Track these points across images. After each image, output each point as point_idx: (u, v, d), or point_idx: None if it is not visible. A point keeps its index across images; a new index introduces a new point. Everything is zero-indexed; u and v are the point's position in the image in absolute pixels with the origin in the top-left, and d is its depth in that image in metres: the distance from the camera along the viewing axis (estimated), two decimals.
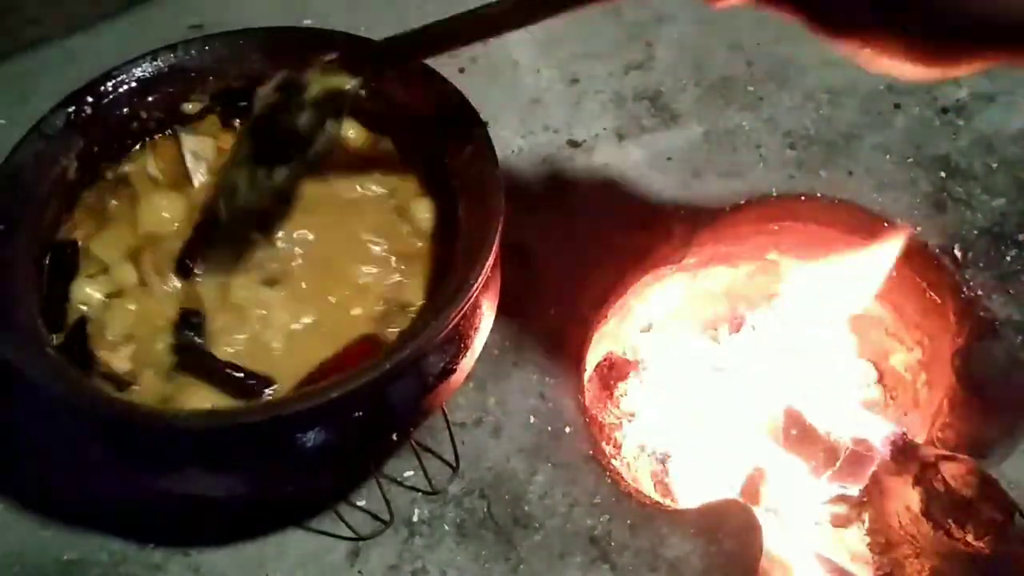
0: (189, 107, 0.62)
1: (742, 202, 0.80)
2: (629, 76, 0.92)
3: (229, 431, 0.45)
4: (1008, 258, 0.77)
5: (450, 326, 0.48)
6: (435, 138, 0.58)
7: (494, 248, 0.51)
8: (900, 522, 0.67)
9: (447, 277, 0.51)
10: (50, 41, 0.95)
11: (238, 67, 0.62)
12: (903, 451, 0.67)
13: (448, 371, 0.51)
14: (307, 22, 0.92)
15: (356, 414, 0.48)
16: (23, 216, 0.54)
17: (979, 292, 0.75)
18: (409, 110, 0.60)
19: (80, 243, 0.56)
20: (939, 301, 0.78)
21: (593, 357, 0.80)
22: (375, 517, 0.63)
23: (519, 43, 0.95)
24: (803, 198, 0.81)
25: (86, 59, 0.91)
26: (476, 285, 0.49)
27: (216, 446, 0.48)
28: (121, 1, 0.99)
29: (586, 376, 0.75)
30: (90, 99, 0.59)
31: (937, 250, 0.78)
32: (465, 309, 0.49)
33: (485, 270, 0.49)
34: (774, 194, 0.81)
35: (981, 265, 0.77)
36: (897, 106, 0.88)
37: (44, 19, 0.98)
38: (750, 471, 0.76)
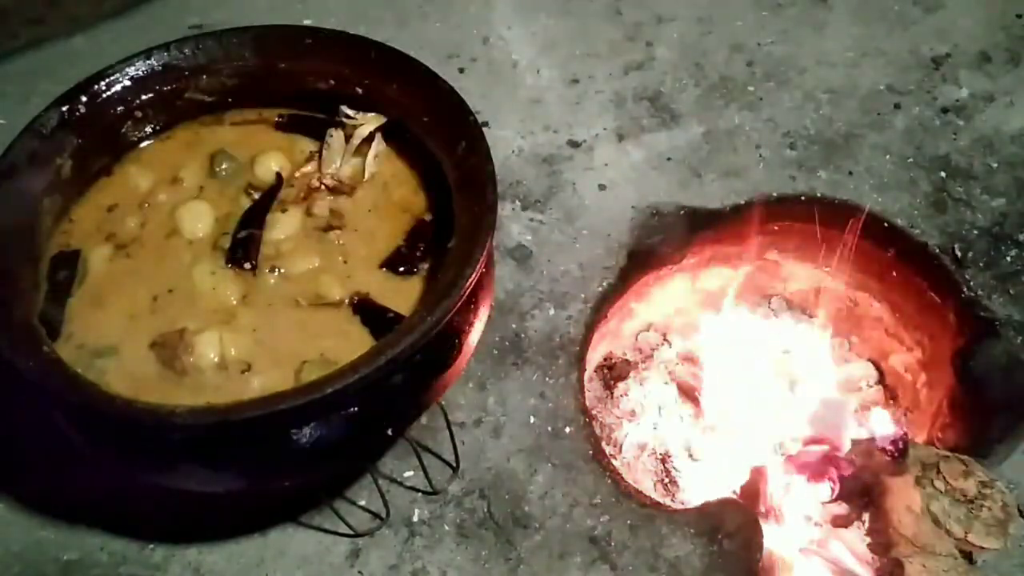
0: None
1: (742, 202, 0.81)
2: (629, 76, 0.92)
3: (226, 426, 0.45)
4: (1008, 258, 0.77)
5: (445, 321, 0.48)
6: (431, 135, 0.58)
7: (487, 244, 0.50)
8: (900, 522, 0.67)
9: (442, 273, 0.51)
10: (50, 41, 0.95)
11: (231, 65, 0.62)
12: (903, 451, 0.67)
13: (443, 366, 0.51)
14: (307, 22, 0.92)
15: (351, 409, 0.48)
16: (19, 215, 0.54)
17: (979, 292, 0.75)
18: (407, 109, 0.60)
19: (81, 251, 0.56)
20: (939, 301, 0.78)
21: (593, 357, 0.80)
22: (375, 515, 0.63)
23: (519, 43, 0.95)
24: (803, 198, 0.81)
25: (86, 59, 0.91)
26: (470, 280, 0.49)
27: (213, 441, 0.48)
28: (121, 1, 0.99)
29: (586, 376, 0.75)
30: (84, 98, 0.58)
31: (937, 250, 0.78)
32: (460, 304, 0.49)
33: (479, 266, 0.49)
34: (774, 195, 0.81)
35: (981, 265, 0.77)
36: (897, 106, 0.88)
37: (44, 19, 0.98)
38: (750, 471, 0.76)
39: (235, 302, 0.55)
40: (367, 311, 0.54)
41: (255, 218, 0.59)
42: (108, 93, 0.60)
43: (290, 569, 0.60)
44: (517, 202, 0.81)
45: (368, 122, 0.62)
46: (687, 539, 0.61)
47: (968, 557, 0.63)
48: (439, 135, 0.58)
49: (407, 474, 0.65)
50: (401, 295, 0.55)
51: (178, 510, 0.62)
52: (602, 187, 0.82)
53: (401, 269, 0.56)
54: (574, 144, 0.86)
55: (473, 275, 0.49)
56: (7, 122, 0.83)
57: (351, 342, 0.52)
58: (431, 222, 0.58)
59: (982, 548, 0.62)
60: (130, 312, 0.54)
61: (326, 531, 0.62)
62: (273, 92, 0.64)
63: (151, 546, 0.61)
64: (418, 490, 0.64)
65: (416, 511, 0.63)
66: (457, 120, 0.57)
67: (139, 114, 0.61)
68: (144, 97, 0.61)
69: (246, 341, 0.53)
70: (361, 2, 0.98)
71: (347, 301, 0.55)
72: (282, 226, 0.59)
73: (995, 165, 0.83)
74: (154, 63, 0.61)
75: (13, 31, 0.97)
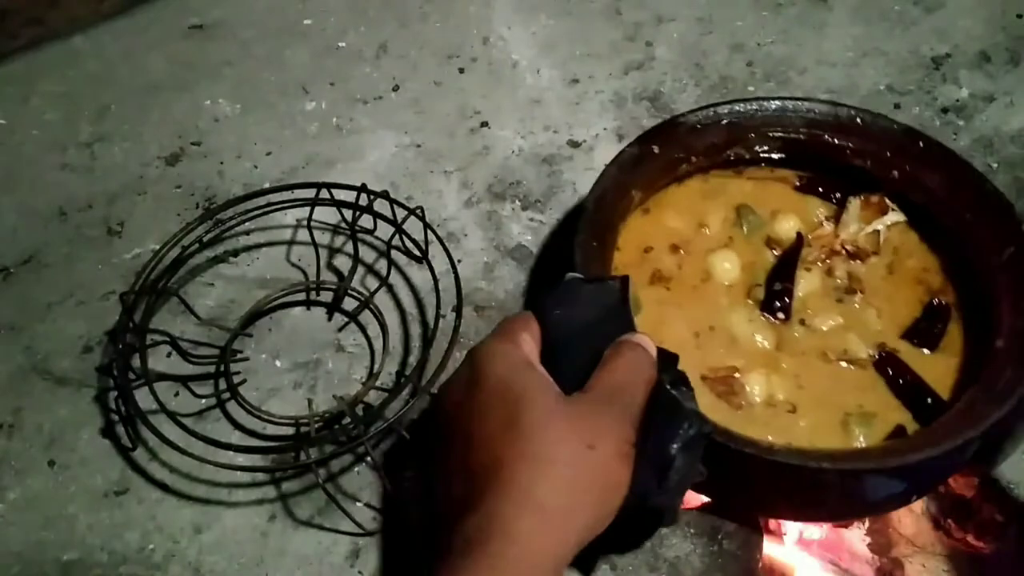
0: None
1: None
2: (629, 76, 0.92)
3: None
4: None
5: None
6: (968, 232, 0.63)
7: None
8: (900, 522, 0.67)
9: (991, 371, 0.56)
10: (50, 41, 0.95)
11: (781, 130, 0.69)
12: None
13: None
14: (307, 22, 0.92)
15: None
16: (604, 239, 0.62)
17: None
18: (942, 200, 0.65)
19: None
20: None
21: None
22: (378, 511, 0.63)
23: (519, 43, 0.95)
24: None
25: (86, 59, 0.91)
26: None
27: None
28: (121, 1, 0.99)
29: None
30: (658, 139, 0.68)
31: None
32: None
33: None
34: None
35: None
36: (897, 106, 0.88)
37: (44, 19, 0.98)
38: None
39: (771, 348, 0.62)
40: (893, 373, 0.59)
41: (785, 273, 0.64)
42: (674, 137, 0.69)
43: (290, 569, 0.60)
44: (517, 202, 0.81)
45: (892, 207, 0.68)
46: (687, 539, 0.61)
47: (968, 557, 0.63)
48: (980, 235, 0.63)
49: (409, 474, 0.65)
50: (921, 368, 0.60)
51: (177, 510, 0.62)
52: None
53: (919, 342, 0.61)
54: (574, 144, 0.86)
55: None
56: (7, 122, 0.83)
57: (880, 399, 0.59)
58: (950, 306, 0.62)
59: (982, 548, 0.62)
60: (677, 344, 0.59)
61: (327, 530, 0.62)
62: (807, 160, 0.69)
63: (151, 546, 0.61)
64: None
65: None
66: (1005, 224, 0.62)
67: (692, 159, 0.69)
68: (698, 144, 0.69)
69: (788, 384, 0.60)
70: (361, 2, 0.98)
71: (872, 362, 0.60)
72: (805, 283, 0.65)
73: (995, 165, 0.83)
74: (721, 115, 0.69)
75: (13, 31, 0.97)
